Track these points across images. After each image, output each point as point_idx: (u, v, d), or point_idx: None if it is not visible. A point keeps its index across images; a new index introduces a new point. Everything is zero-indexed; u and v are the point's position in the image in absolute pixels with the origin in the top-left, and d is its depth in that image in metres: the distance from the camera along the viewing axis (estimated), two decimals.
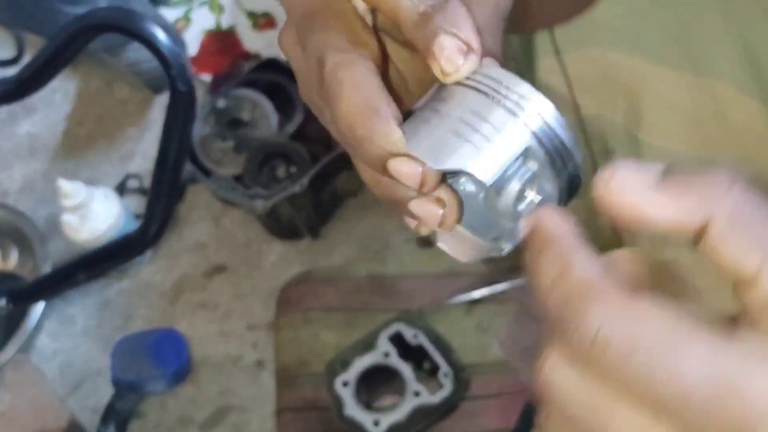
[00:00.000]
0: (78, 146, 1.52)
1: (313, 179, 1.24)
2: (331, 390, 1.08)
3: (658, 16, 0.63)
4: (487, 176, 0.37)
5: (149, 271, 1.37)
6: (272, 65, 1.39)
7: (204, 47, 1.57)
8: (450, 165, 0.38)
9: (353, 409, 1.07)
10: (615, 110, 0.68)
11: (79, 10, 1.27)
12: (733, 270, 0.31)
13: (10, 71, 1.01)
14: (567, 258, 0.32)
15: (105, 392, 1.24)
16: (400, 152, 0.39)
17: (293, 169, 1.30)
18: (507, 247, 0.41)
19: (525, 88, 0.38)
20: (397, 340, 1.11)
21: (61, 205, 1.26)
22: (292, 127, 1.33)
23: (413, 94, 0.47)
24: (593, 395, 0.31)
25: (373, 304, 1.24)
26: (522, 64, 0.76)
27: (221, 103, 1.34)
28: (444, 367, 1.08)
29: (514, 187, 0.39)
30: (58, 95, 1.58)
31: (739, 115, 0.62)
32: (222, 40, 1.58)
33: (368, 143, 0.40)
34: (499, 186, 0.38)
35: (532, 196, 0.39)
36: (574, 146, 0.39)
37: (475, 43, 0.39)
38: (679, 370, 0.28)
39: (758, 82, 0.61)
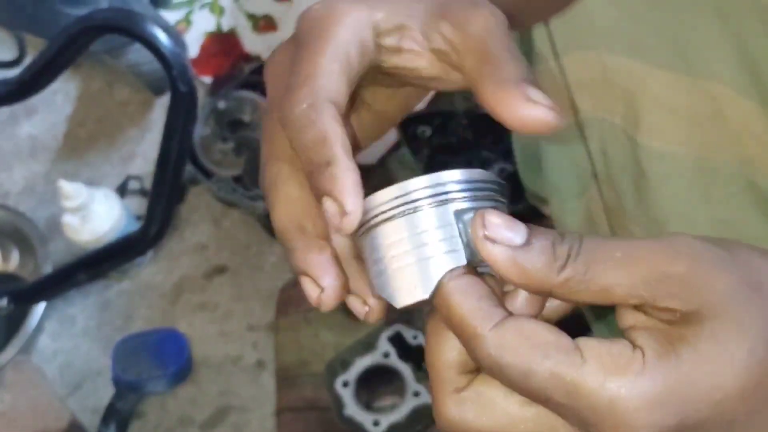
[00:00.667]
0: (79, 147, 1.53)
1: None
2: (331, 390, 1.08)
3: (654, 18, 0.63)
4: (423, 294, 0.40)
5: (150, 271, 1.38)
6: None
7: (204, 49, 1.57)
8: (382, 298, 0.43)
9: (353, 410, 1.07)
10: (613, 113, 0.68)
11: (81, 11, 1.28)
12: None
13: (12, 72, 1.01)
14: (453, 302, 0.39)
15: (105, 392, 1.24)
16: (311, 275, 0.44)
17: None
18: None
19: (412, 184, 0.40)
20: (397, 340, 1.11)
21: (62, 206, 1.26)
22: None
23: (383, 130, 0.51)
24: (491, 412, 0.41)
25: None
26: None
27: (222, 104, 1.34)
28: None
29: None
30: (59, 96, 1.58)
31: (737, 116, 0.63)
32: (223, 42, 1.58)
33: (292, 254, 0.45)
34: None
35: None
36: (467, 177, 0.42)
37: (350, 205, 0.40)
38: (523, 365, 0.37)
39: (755, 83, 0.62)
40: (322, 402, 1.16)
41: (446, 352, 0.40)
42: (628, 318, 0.38)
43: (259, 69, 1.39)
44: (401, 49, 0.46)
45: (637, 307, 0.38)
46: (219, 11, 1.62)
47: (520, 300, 0.41)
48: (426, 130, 1.28)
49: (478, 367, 0.40)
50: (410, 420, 1.05)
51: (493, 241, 0.38)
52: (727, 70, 0.62)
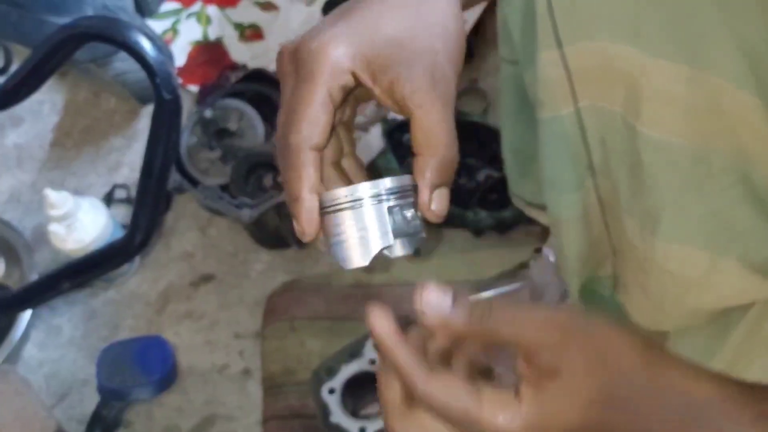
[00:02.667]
0: (65, 157, 1.53)
1: None
2: (317, 398, 1.08)
3: (656, 8, 0.64)
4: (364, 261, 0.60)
5: (136, 280, 1.37)
6: (259, 76, 1.40)
7: (191, 58, 1.58)
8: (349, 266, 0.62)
9: (339, 417, 1.07)
10: (614, 101, 0.69)
11: (65, 20, 1.28)
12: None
13: None
14: (391, 355, 0.56)
15: (91, 402, 1.24)
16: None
17: (279, 179, 1.31)
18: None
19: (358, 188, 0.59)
20: None
21: (48, 215, 1.26)
22: None
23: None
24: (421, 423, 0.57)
25: (358, 312, 1.24)
26: (525, 58, 0.78)
27: (208, 113, 1.34)
28: None
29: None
30: (46, 106, 1.58)
31: (734, 108, 0.63)
32: (209, 52, 1.58)
33: (292, 179, 0.60)
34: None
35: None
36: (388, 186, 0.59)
37: (305, 231, 0.60)
38: (444, 405, 0.54)
39: (754, 76, 0.62)
40: (309, 410, 1.16)
41: (393, 391, 0.57)
42: (520, 367, 0.54)
43: (246, 78, 1.39)
44: (370, 89, 0.61)
45: (526, 359, 0.53)
46: (206, 21, 1.62)
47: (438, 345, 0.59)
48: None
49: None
50: None
51: (428, 311, 0.55)
52: (727, 62, 0.62)
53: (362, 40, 0.60)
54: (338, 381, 1.09)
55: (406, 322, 1.16)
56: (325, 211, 0.59)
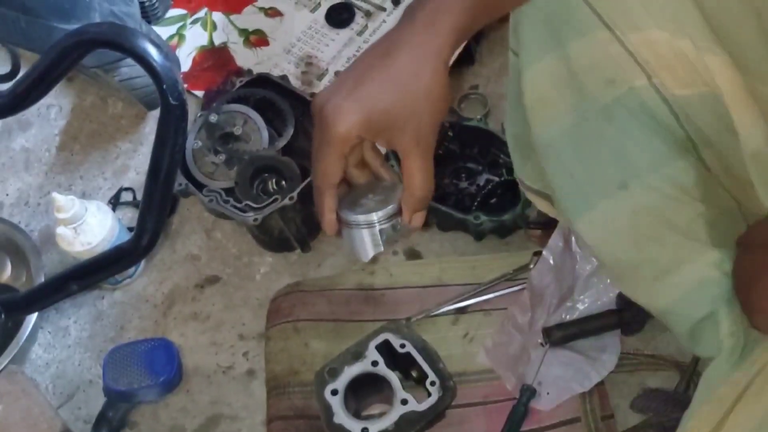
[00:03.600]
0: (72, 160, 1.54)
1: (302, 193, 1.26)
2: (320, 398, 1.09)
3: (701, 9, 0.72)
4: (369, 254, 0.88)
5: (142, 282, 1.39)
6: (263, 81, 1.41)
7: (196, 63, 1.59)
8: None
9: (342, 418, 1.08)
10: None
11: (73, 26, 1.29)
12: None
13: (5, 87, 1.02)
14: None
15: (97, 403, 1.26)
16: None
17: (283, 183, 1.32)
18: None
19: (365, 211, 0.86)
20: (385, 349, 1.13)
21: (55, 218, 1.27)
22: (282, 141, 1.35)
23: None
24: None
25: (361, 314, 1.26)
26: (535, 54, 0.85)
27: (213, 117, 1.36)
28: (431, 375, 1.10)
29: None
30: (53, 111, 1.60)
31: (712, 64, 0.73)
32: (214, 57, 1.60)
33: (320, 202, 0.86)
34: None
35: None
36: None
37: (329, 233, 0.88)
38: None
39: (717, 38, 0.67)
40: (312, 410, 1.17)
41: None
42: None
43: (250, 83, 1.41)
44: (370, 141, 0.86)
45: None
46: (211, 26, 1.64)
47: None
48: None
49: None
50: (398, 427, 1.06)
51: None
52: (699, 30, 0.67)
53: (365, 112, 0.79)
54: (341, 382, 1.10)
55: (407, 324, 1.17)
56: (341, 222, 0.87)
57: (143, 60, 0.91)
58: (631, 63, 0.78)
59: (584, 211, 0.87)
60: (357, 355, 1.12)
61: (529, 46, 0.85)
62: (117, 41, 0.92)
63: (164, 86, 0.92)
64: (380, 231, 0.85)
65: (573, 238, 1.20)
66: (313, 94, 1.38)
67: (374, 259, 1.34)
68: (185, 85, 1.55)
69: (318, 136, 0.82)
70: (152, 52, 0.91)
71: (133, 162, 1.52)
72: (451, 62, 0.80)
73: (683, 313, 0.86)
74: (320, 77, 1.54)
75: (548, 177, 0.91)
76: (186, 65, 1.59)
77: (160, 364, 1.21)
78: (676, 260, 0.85)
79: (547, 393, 1.15)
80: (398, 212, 0.85)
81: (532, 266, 1.23)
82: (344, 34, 1.58)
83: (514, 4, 0.84)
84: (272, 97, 1.39)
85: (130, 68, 1.44)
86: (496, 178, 1.31)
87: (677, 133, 0.81)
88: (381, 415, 1.09)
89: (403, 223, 0.85)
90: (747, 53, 0.73)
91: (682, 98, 0.78)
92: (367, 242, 0.86)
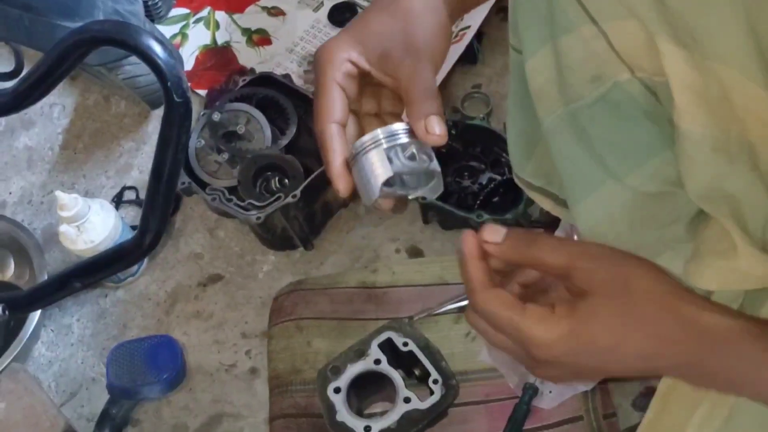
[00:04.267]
0: (75, 159, 1.54)
1: (305, 191, 1.26)
2: (323, 397, 1.09)
3: None
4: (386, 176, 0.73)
5: (145, 281, 1.39)
6: (266, 80, 1.41)
7: (199, 62, 1.60)
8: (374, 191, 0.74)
9: (345, 416, 1.08)
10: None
11: (76, 24, 1.30)
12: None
13: (9, 84, 1.02)
14: (467, 265, 0.69)
15: (100, 401, 1.26)
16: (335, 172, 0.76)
17: (286, 181, 1.32)
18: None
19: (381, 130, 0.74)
20: (388, 347, 1.13)
21: (58, 217, 1.27)
22: (285, 140, 1.36)
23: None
24: (483, 327, 0.68)
25: (364, 312, 1.26)
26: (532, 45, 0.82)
27: (216, 116, 1.36)
28: (434, 373, 1.10)
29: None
30: (56, 109, 1.60)
31: (743, 100, 0.66)
32: (217, 56, 1.60)
33: (326, 151, 0.76)
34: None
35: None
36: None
37: (340, 187, 0.75)
38: (496, 312, 0.66)
39: (764, 68, 0.64)
40: (315, 409, 1.17)
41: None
42: (558, 289, 0.69)
43: (253, 81, 1.41)
44: (368, 72, 0.77)
45: (562, 281, 0.67)
46: (214, 26, 1.64)
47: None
48: None
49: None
50: (401, 426, 1.06)
51: (487, 241, 0.69)
52: (735, 54, 0.64)
53: (356, 37, 0.76)
54: (344, 380, 1.10)
55: (410, 322, 1.17)
56: (350, 165, 0.75)
57: (147, 57, 0.91)
58: (614, 58, 0.77)
59: (582, 199, 0.88)
60: (360, 353, 1.12)
61: (528, 38, 0.85)
62: (121, 38, 0.92)
63: (168, 83, 0.92)
64: (389, 149, 0.73)
65: (575, 236, 1.20)
66: None
67: (376, 258, 1.34)
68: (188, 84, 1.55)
69: (315, 83, 0.77)
70: (156, 49, 0.91)
71: (136, 161, 1.53)
72: (453, 36, 0.80)
73: None
74: None
75: (554, 163, 0.91)
76: (189, 64, 1.59)
77: (164, 361, 1.21)
78: (662, 247, 0.87)
79: (550, 391, 1.15)
80: (409, 132, 0.74)
81: None
82: None
83: None
84: (275, 95, 1.39)
85: (133, 66, 1.45)
86: (499, 177, 1.31)
87: (664, 125, 0.81)
88: (383, 413, 1.09)
89: (419, 136, 0.73)
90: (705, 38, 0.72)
91: (661, 84, 0.78)
92: (377, 166, 0.73)
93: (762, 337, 0.61)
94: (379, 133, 0.74)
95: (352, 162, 0.75)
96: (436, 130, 0.73)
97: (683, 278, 0.80)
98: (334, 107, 0.75)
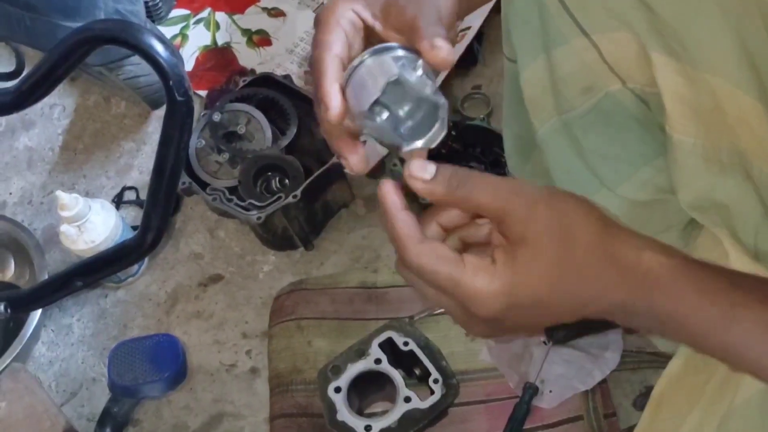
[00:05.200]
0: (76, 160, 1.55)
1: (305, 191, 1.26)
2: (323, 396, 1.09)
3: (662, 9, 0.67)
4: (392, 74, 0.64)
5: (145, 281, 1.39)
6: (266, 80, 1.41)
7: (199, 63, 1.60)
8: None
9: (345, 415, 1.08)
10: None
11: (78, 24, 1.29)
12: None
13: (10, 84, 1.02)
14: (392, 220, 0.62)
15: (101, 400, 1.26)
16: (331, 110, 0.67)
17: (286, 181, 1.32)
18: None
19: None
20: (389, 347, 1.13)
21: (59, 217, 1.28)
22: (285, 140, 1.36)
23: None
24: (417, 283, 0.63)
25: (364, 312, 1.26)
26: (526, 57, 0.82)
27: (216, 116, 1.36)
28: (434, 373, 1.10)
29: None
30: (57, 110, 1.60)
31: (734, 109, 0.66)
32: (217, 57, 1.60)
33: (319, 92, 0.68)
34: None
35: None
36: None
37: (331, 104, 0.66)
38: (431, 269, 0.61)
39: (754, 78, 0.64)
40: (315, 408, 1.17)
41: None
42: (494, 236, 0.63)
43: (254, 82, 1.41)
44: (372, 26, 0.71)
45: (498, 228, 0.62)
46: (214, 26, 1.64)
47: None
48: None
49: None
50: (401, 425, 1.06)
51: (414, 178, 0.62)
52: (727, 65, 0.64)
53: None
54: (344, 380, 1.10)
55: (410, 322, 1.18)
56: (346, 83, 0.68)
57: (149, 56, 0.91)
58: (605, 70, 0.78)
59: None
60: (360, 352, 1.12)
61: (522, 49, 0.85)
62: (122, 37, 0.92)
63: (170, 82, 0.92)
64: (395, 59, 0.66)
65: None
66: None
67: (377, 258, 1.34)
68: None
69: (315, 31, 0.72)
70: (158, 47, 0.91)
71: (137, 161, 1.53)
72: (458, 27, 0.78)
73: None
74: None
75: (549, 171, 0.92)
76: (189, 65, 1.59)
77: (166, 360, 1.21)
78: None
79: (550, 391, 1.15)
80: (415, 54, 0.67)
81: None
82: None
83: None
84: (275, 96, 1.39)
85: (134, 66, 1.45)
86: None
87: (656, 131, 0.82)
88: (384, 412, 1.09)
89: (425, 56, 0.65)
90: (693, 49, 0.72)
91: (653, 95, 0.78)
92: (379, 71, 0.66)
93: (695, 278, 0.61)
94: (378, 46, 0.67)
95: (348, 82, 0.67)
96: (443, 47, 0.65)
97: None
98: (335, 41, 0.69)
